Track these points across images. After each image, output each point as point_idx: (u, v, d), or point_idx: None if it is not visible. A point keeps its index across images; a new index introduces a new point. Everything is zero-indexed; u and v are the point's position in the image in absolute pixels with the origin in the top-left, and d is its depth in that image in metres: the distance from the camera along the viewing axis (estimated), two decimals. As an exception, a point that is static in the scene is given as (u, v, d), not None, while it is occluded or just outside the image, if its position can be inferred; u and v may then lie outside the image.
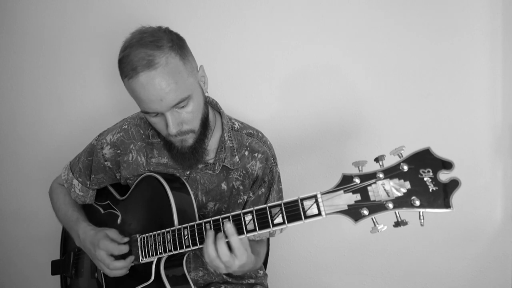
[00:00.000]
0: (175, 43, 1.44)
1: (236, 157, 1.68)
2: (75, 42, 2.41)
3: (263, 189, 1.74)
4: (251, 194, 1.73)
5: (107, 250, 1.58)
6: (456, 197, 1.02)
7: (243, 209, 1.69)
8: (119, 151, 1.74)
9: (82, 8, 2.36)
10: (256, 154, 1.71)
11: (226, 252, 1.32)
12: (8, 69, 2.51)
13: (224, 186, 1.70)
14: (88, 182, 1.83)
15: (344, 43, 2.13)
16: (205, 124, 1.57)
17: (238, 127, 1.75)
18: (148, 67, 1.37)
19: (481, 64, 2.04)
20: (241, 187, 1.71)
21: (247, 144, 1.72)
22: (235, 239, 1.32)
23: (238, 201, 1.72)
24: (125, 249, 1.59)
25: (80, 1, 2.36)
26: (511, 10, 1.99)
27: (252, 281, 1.87)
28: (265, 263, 2.02)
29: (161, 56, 1.38)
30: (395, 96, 2.12)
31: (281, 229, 1.75)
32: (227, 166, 1.68)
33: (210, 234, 1.35)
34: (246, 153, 1.71)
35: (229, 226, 1.31)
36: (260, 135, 1.78)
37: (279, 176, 1.80)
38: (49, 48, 2.44)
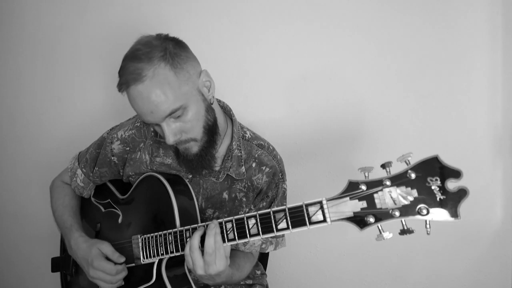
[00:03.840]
0: (168, 51, 1.43)
1: (243, 167, 1.67)
2: (74, 43, 2.39)
3: (264, 203, 1.73)
4: (252, 207, 1.73)
5: (103, 271, 1.57)
6: (463, 207, 1.02)
7: None
8: (128, 148, 1.74)
9: (81, 9, 2.35)
10: (263, 168, 1.70)
11: (211, 245, 1.33)
12: (7, 70, 2.50)
13: (225, 195, 1.69)
14: (90, 174, 1.82)
15: (346, 45, 2.13)
16: (211, 131, 1.55)
17: (249, 136, 1.74)
18: (136, 81, 1.39)
19: (481, 64, 2.04)
20: (244, 199, 1.70)
21: (256, 155, 1.71)
22: (218, 238, 1.34)
23: (239, 213, 1.70)
24: (122, 268, 1.58)
25: (80, 2, 2.35)
26: (511, 10, 1.99)
27: (250, 281, 1.87)
28: (264, 263, 2.02)
29: (149, 68, 1.39)
30: (396, 96, 2.12)
31: (275, 247, 1.77)
32: (231, 176, 1.67)
33: (201, 229, 1.38)
34: (254, 164, 1.70)
35: (213, 226, 1.35)
36: (271, 148, 1.76)
37: (284, 193, 1.77)
38: (48, 49, 2.42)
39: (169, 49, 1.44)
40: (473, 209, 2.08)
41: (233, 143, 1.67)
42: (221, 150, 1.67)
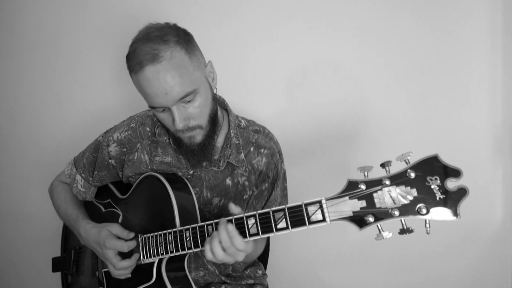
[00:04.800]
0: (181, 37, 1.44)
1: (242, 154, 1.68)
2: (75, 43, 2.40)
3: (266, 184, 1.73)
4: (254, 189, 1.73)
5: (115, 248, 1.57)
6: (462, 206, 1.02)
7: (246, 204, 1.73)
8: (125, 150, 1.74)
9: (83, 8, 2.35)
10: (262, 150, 1.71)
11: (226, 239, 1.31)
12: (8, 70, 2.51)
13: (228, 181, 1.70)
14: (90, 179, 1.83)
15: (346, 44, 2.13)
16: (213, 120, 1.57)
17: (245, 124, 1.75)
18: (153, 61, 1.37)
19: (481, 64, 2.04)
20: (246, 183, 1.71)
21: (253, 140, 1.72)
22: (230, 228, 1.32)
23: (244, 197, 1.72)
24: (133, 244, 1.57)
25: (81, 1, 2.35)
26: (511, 10, 1.98)
27: (251, 281, 1.87)
28: (265, 263, 2.02)
29: (166, 50, 1.38)
30: (396, 96, 2.12)
31: None
32: (232, 163, 1.67)
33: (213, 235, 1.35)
34: (252, 149, 1.71)
35: (224, 221, 1.33)
36: (267, 131, 1.78)
37: (284, 174, 1.79)
38: (49, 48, 2.43)
39: (182, 35, 1.45)
40: (473, 209, 2.08)
41: (231, 131, 1.68)
42: (219, 140, 1.68)
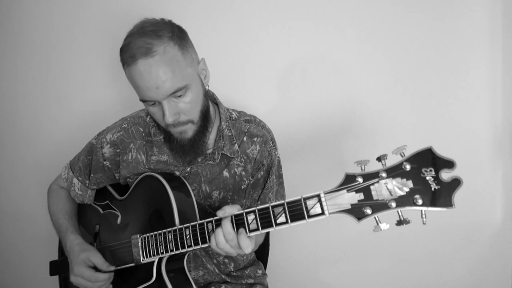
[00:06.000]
0: (176, 34, 1.45)
1: (236, 145, 1.69)
2: (74, 42, 2.41)
3: (262, 172, 1.74)
4: (250, 178, 1.74)
5: (82, 277, 1.58)
6: (457, 196, 1.03)
7: (244, 194, 1.73)
8: (118, 150, 1.74)
9: (82, 7, 2.36)
10: (255, 139, 1.72)
11: (230, 231, 1.32)
12: (7, 69, 2.51)
13: (226, 173, 1.70)
14: (87, 182, 1.83)
15: (344, 42, 2.14)
16: (205, 116, 1.58)
17: (236, 116, 1.76)
18: (146, 55, 1.39)
19: (481, 64, 2.05)
20: (243, 173, 1.71)
21: (246, 130, 1.73)
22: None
23: (242, 187, 1.72)
24: (103, 277, 1.59)
25: (77, 1, 2.36)
26: (511, 10, 1.99)
27: (251, 280, 1.87)
28: (265, 263, 2.02)
29: (160, 44, 1.40)
30: (396, 95, 2.12)
31: None
32: (226, 155, 1.68)
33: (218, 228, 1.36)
34: (245, 138, 1.72)
35: (222, 213, 1.34)
36: (258, 120, 1.79)
37: (279, 162, 1.80)
38: (48, 47, 2.44)
39: (176, 32, 1.46)
40: (473, 209, 2.09)
41: (222, 123, 1.69)
42: (212, 134, 1.69)
